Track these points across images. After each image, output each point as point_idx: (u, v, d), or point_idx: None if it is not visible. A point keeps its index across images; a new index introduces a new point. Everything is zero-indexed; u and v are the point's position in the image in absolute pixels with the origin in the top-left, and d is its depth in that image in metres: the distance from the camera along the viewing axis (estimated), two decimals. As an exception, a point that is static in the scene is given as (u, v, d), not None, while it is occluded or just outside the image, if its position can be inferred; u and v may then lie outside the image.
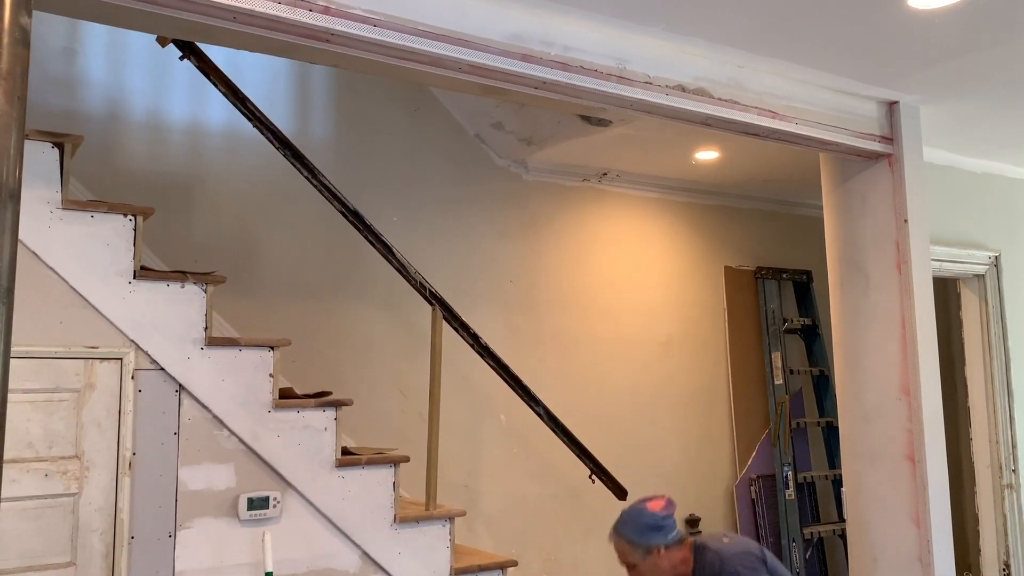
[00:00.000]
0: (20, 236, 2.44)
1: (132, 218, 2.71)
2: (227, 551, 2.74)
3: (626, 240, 4.95)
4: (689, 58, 2.98)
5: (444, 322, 3.31)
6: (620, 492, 3.75)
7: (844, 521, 3.69)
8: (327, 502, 2.90)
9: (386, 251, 3.25)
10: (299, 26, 2.30)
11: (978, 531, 4.46)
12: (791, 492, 5.10)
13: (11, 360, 2.21)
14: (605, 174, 4.76)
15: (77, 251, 2.60)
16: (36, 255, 2.54)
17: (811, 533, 5.13)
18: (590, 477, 3.69)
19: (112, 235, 2.67)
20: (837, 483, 5.06)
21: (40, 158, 2.58)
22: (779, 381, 5.27)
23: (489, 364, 3.47)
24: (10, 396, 2.44)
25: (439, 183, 4.32)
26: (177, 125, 3.69)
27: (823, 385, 5.43)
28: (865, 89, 3.39)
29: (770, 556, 2.81)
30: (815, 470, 5.31)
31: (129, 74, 3.61)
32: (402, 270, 3.27)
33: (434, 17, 2.48)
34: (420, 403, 3.46)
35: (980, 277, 4.51)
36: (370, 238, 3.23)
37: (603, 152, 4.41)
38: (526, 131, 4.22)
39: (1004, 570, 4.33)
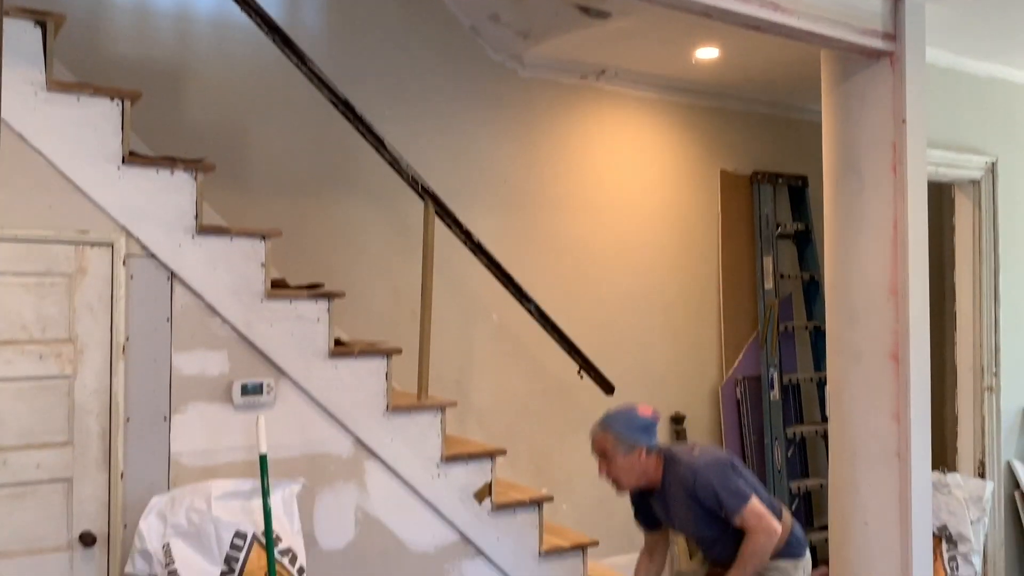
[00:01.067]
0: (4, 117, 2.41)
1: (119, 102, 2.66)
2: (222, 434, 2.80)
3: (622, 142, 4.89)
4: (691, -55, 2.88)
5: (436, 217, 3.31)
6: (607, 387, 3.82)
7: (827, 421, 3.77)
8: (321, 390, 2.95)
9: (377, 143, 3.21)
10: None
11: (956, 431, 4.58)
12: (776, 393, 5.20)
13: (1, 243, 2.21)
14: (603, 72, 4.67)
15: (64, 134, 2.57)
16: (22, 137, 2.51)
17: (794, 433, 5.26)
18: (579, 372, 3.76)
19: (99, 119, 2.62)
20: (821, 385, 5.16)
21: (22, 37, 2.52)
22: (769, 285, 5.31)
23: (481, 261, 3.48)
24: (1, 278, 2.46)
25: (432, 77, 4.24)
26: (165, 8, 3.59)
27: (813, 290, 5.48)
28: (870, -17, 3.30)
29: (738, 462, 2.91)
30: (800, 372, 5.40)
31: (112, -46, 3.48)
32: (394, 163, 3.24)
33: None
34: (412, 300, 3.48)
35: (975, 183, 4.50)
36: (361, 129, 3.19)
37: (602, 47, 4.31)
38: (523, 23, 4.12)
39: (979, 468, 4.47)
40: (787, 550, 2.90)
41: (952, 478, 3.97)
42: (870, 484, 3.40)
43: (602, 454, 2.87)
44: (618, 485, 2.92)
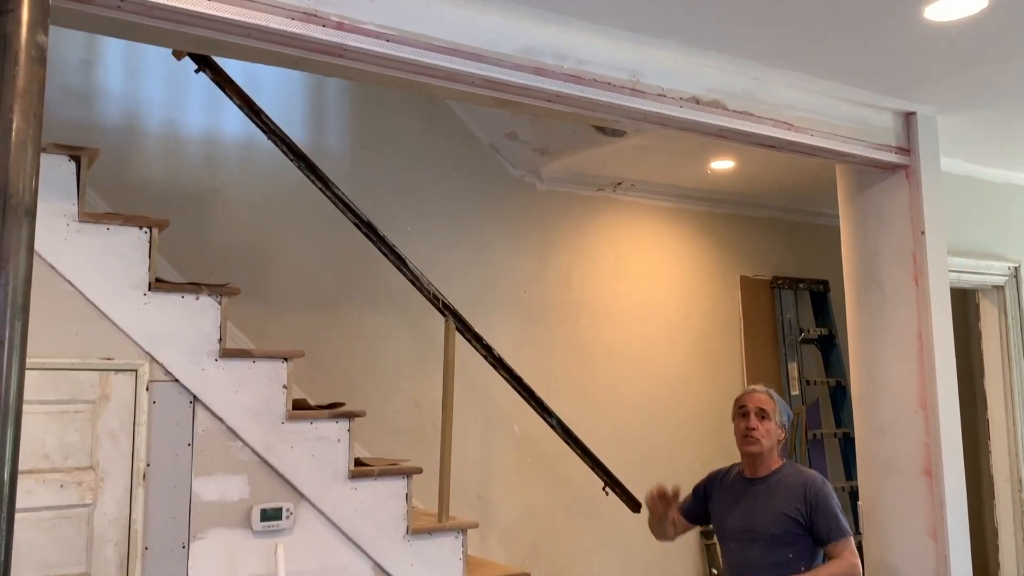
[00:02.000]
0: (37, 249, 2.46)
1: (147, 230, 2.73)
2: (240, 562, 2.74)
3: (641, 250, 4.93)
4: (703, 70, 2.97)
5: (457, 333, 3.32)
6: (634, 505, 3.73)
7: (860, 534, 3.65)
8: (340, 513, 2.91)
9: (399, 262, 3.26)
10: (313, 42, 2.32)
11: (997, 545, 4.41)
12: (807, 504, 5.05)
13: (28, 372, 2.23)
14: (620, 183, 4.75)
15: (93, 264, 2.62)
16: (53, 268, 2.56)
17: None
18: (604, 489, 3.68)
19: (127, 247, 2.68)
20: (854, 495, 5.01)
21: (57, 171, 2.61)
22: (795, 392, 5.24)
23: (502, 375, 3.47)
24: (26, 407, 2.47)
25: (453, 193, 4.33)
26: (193, 137, 3.72)
27: (840, 395, 5.39)
28: (882, 100, 3.37)
29: None
30: (832, 481, 5.22)
31: (146, 86, 3.64)
32: (415, 281, 3.28)
33: (447, 32, 2.48)
34: (433, 414, 3.46)
35: (999, 288, 4.47)
36: (383, 249, 3.24)
37: (617, 162, 4.40)
38: (540, 141, 4.22)
39: (1024, 585, 4.29)
40: None
41: (996, 597, 3.80)
42: (910, 607, 3.27)
43: (762, 413, 2.84)
44: (759, 444, 2.82)
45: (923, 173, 3.43)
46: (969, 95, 3.37)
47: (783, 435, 2.88)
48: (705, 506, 2.97)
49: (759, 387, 2.95)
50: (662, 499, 2.88)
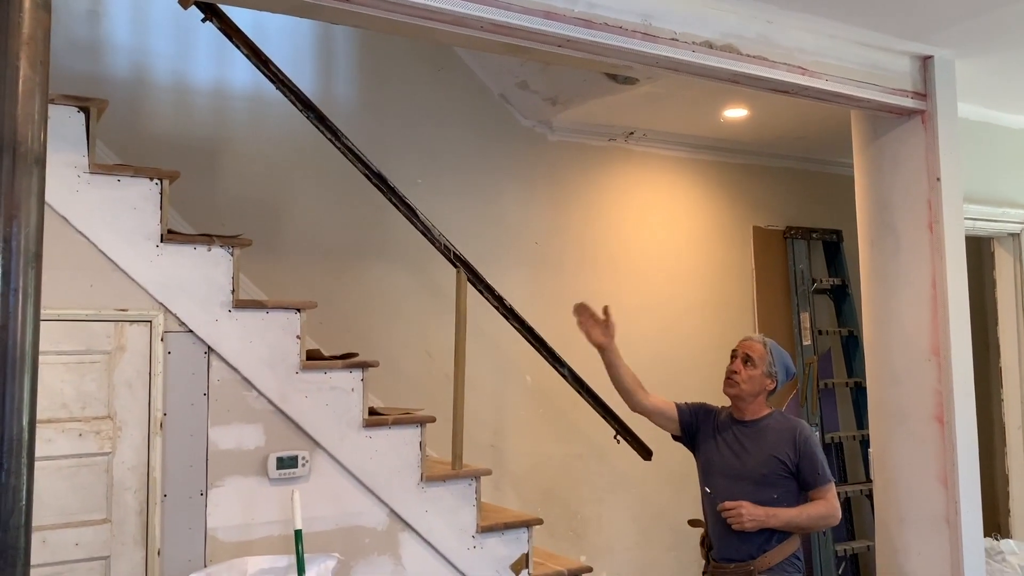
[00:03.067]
0: (48, 200, 2.48)
1: (158, 182, 2.73)
2: (257, 509, 2.79)
3: (653, 200, 4.90)
4: (716, 14, 2.91)
5: (468, 284, 3.32)
6: (645, 452, 3.76)
7: (871, 481, 3.68)
8: (355, 461, 2.94)
9: (410, 213, 3.25)
10: (319, -14, 2.28)
11: (1008, 492, 4.43)
12: (819, 452, 5.08)
13: (44, 323, 2.26)
14: (632, 133, 4.70)
15: (105, 215, 2.63)
16: (65, 219, 2.57)
17: (838, 493, 5.11)
18: (615, 437, 3.71)
19: (139, 199, 2.69)
20: (865, 443, 5.03)
21: (66, 122, 2.60)
22: (808, 342, 5.23)
23: (514, 326, 3.48)
24: (43, 358, 2.50)
25: (463, 144, 4.30)
26: (201, 88, 3.70)
27: (852, 345, 5.39)
28: (898, 44, 3.31)
29: None
30: (843, 430, 5.29)
31: (153, 37, 3.61)
32: (426, 232, 3.27)
33: (455, -25, 2.44)
34: (446, 364, 3.48)
35: (1015, 236, 4.43)
36: (394, 200, 3.23)
37: (630, 111, 4.35)
38: (551, 90, 4.18)
39: (1033, 531, 4.31)
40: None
41: (1006, 544, 3.83)
42: (919, 552, 3.30)
43: (747, 358, 2.95)
44: (738, 388, 2.94)
45: (939, 119, 3.38)
46: (988, 38, 3.30)
47: (772, 384, 2.96)
48: (691, 428, 3.04)
49: (756, 336, 3.06)
50: (584, 312, 3.04)
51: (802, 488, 2.86)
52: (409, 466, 3.04)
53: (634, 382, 3.07)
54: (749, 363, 2.94)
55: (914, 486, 3.34)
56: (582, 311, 3.07)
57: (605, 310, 3.04)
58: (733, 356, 3.00)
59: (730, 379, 2.96)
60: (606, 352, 3.06)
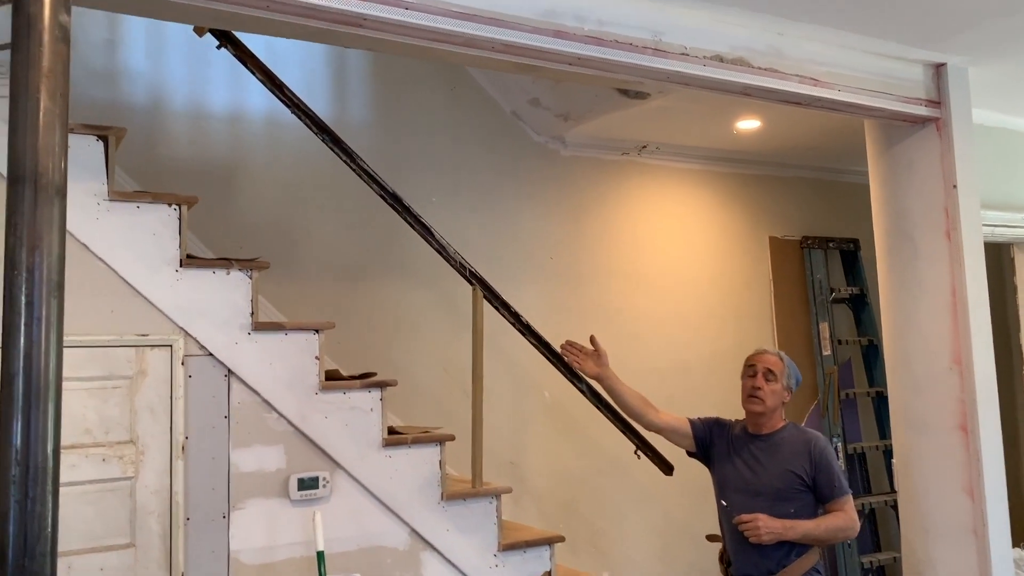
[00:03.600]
0: (69, 228, 2.50)
1: (176, 207, 2.76)
2: (280, 531, 2.80)
3: (668, 213, 4.90)
4: (726, 27, 2.92)
5: (484, 301, 3.33)
6: (666, 467, 3.74)
7: (895, 492, 3.64)
8: (375, 481, 2.95)
9: (425, 232, 3.27)
10: (332, 12, 2.31)
11: (1035, 501, 4.37)
12: (841, 463, 5.04)
13: (66, 349, 2.28)
14: (644, 147, 4.71)
15: (125, 241, 2.66)
16: (86, 246, 2.61)
17: (862, 504, 5.07)
18: (635, 452, 3.69)
19: (158, 224, 2.72)
20: (888, 453, 4.99)
21: (86, 151, 2.64)
22: (827, 352, 5.20)
23: (530, 342, 3.48)
24: (67, 384, 2.52)
25: (477, 162, 4.32)
26: (218, 113, 3.74)
27: (872, 355, 5.35)
28: (910, 52, 3.30)
29: None
30: (865, 440, 5.24)
31: (169, 64, 3.66)
32: (441, 251, 3.29)
33: (465, -3, 2.46)
34: (464, 381, 3.48)
35: (1035, 241, 4.39)
36: (409, 220, 3.25)
37: (642, 124, 4.36)
38: (563, 106, 4.19)
39: (1063, 541, 4.25)
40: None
41: (1034, 553, 3.78)
42: (946, 563, 3.26)
43: (768, 373, 2.93)
44: (763, 404, 2.91)
45: (954, 125, 3.36)
46: (1001, 44, 3.28)
47: (788, 397, 2.95)
48: (705, 442, 3.02)
49: (770, 348, 3.04)
50: (571, 349, 3.03)
51: (819, 501, 2.83)
52: (429, 485, 3.04)
53: (641, 403, 3.04)
54: (771, 378, 2.91)
55: (939, 497, 3.31)
56: (568, 349, 3.07)
57: (592, 340, 3.05)
58: (752, 371, 2.95)
59: (754, 396, 2.91)
60: (604, 380, 3.05)
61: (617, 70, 2.79)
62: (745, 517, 2.76)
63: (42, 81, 1.85)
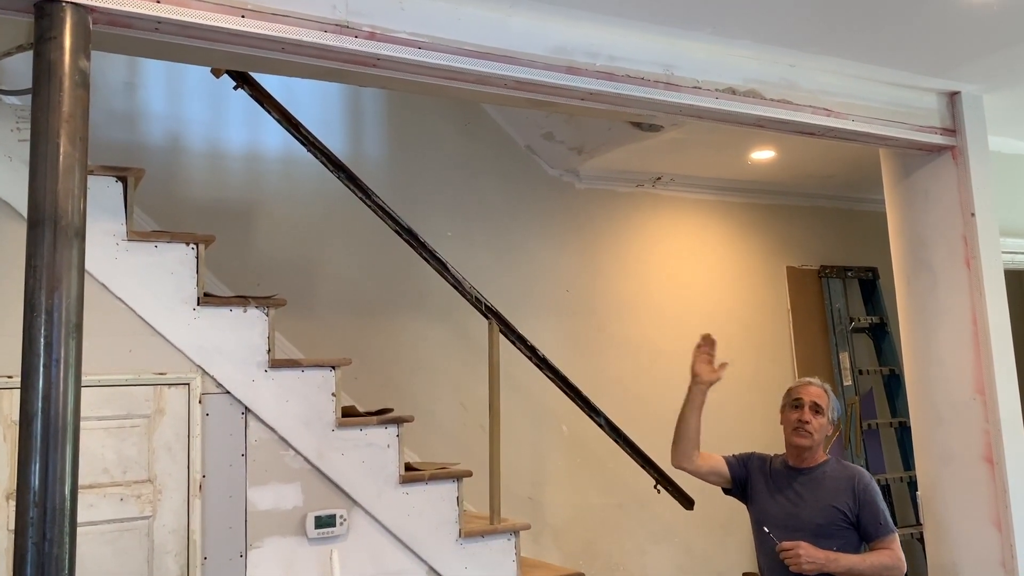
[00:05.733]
0: (88, 268, 2.53)
1: (194, 246, 2.79)
2: (297, 569, 2.78)
3: (683, 244, 4.89)
4: (738, 60, 2.94)
5: (500, 335, 3.32)
6: (687, 501, 3.70)
7: (921, 524, 3.57)
8: (392, 518, 2.93)
9: (441, 267, 3.28)
10: (346, 53, 2.34)
11: (1066, 532, 4.27)
12: (865, 495, 4.96)
13: (84, 389, 2.30)
14: (659, 178, 4.72)
15: (143, 281, 2.69)
16: (104, 286, 2.63)
17: (888, 537, 4.98)
18: (655, 487, 3.66)
19: (176, 264, 2.74)
20: (913, 485, 4.90)
21: (105, 192, 2.68)
22: (848, 382, 5.14)
23: (547, 376, 3.47)
24: (84, 424, 2.53)
25: (492, 196, 4.34)
26: (235, 152, 3.79)
27: (894, 384, 5.28)
28: (924, 81, 3.30)
29: None
30: (889, 472, 5.16)
31: (187, 105, 3.72)
32: (457, 285, 3.29)
33: (477, 36, 2.49)
34: (481, 416, 3.47)
35: (1057, 268, 4.33)
36: (424, 255, 3.26)
37: (656, 157, 4.37)
38: (577, 140, 4.22)
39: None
40: None
41: (1066, 586, 3.68)
42: (976, 598, 3.18)
43: (817, 408, 2.85)
44: (811, 438, 2.83)
45: (971, 153, 3.35)
46: (1015, 72, 3.27)
47: (832, 431, 2.90)
48: (742, 480, 2.95)
49: (815, 380, 2.93)
50: (707, 343, 3.00)
51: (863, 539, 2.73)
52: (447, 522, 3.02)
53: (697, 436, 2.96)
54: (819, 412, 2.83)
55: (966, 530, 3.25)
56: (703, 345, 3.03)
57: (710, 341, 3.02)
58: (798, 404, 2.85)
59: (802, 430, 2.82)
60: (696, 389, 2.99)
61: (629, 104, 2.81)
62: (787, 544, 2.66)
63: (62, 126, 1.88)
